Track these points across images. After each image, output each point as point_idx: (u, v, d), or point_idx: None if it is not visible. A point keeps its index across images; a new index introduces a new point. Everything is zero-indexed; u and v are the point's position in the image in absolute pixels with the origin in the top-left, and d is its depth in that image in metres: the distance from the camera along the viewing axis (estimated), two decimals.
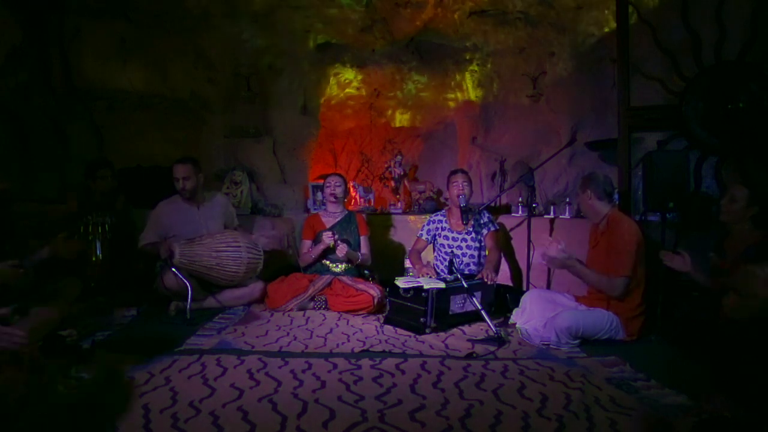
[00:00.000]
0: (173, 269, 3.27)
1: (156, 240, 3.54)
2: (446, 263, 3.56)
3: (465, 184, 3.71)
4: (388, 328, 3.16)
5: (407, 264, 3.99)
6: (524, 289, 3.72)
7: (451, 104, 5.59)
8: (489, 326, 2.91)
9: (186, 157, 3.74)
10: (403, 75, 5.39)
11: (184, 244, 3.37)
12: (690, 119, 3.57)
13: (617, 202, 3.79)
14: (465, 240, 3.74)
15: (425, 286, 3.09)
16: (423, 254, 3.92)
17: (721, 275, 2.55)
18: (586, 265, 2.94)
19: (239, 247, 3.48)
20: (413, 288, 3.14)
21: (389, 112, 5.81)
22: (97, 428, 1.75)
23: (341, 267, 3.83)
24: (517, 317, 3.09)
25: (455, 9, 4.65)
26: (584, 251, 3.16)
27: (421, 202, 5.22)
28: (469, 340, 2.89)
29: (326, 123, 5.67)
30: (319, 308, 3.61)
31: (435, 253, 3.91)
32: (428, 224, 3.90)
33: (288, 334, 2.98)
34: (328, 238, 3.71)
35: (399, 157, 5.53)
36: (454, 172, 3.83)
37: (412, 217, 4.78)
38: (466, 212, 3.65)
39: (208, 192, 3.85)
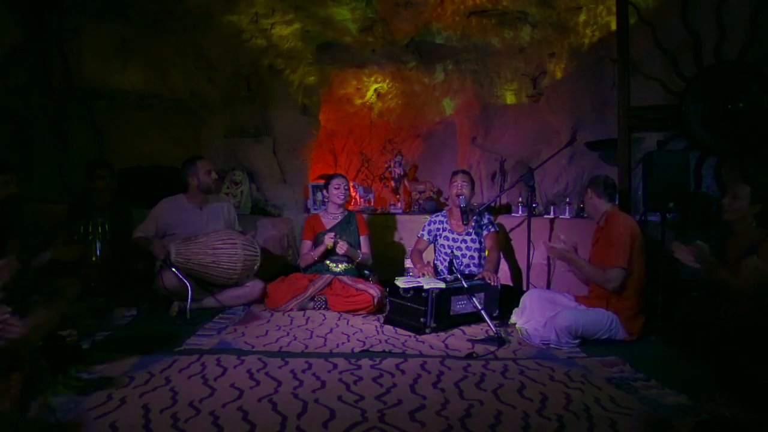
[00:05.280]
0: (173, 269, 3.27)
1: (152, 235, 3.53)
2: (446, 263, 3.56)
3: (464, 183, 3.71)
4: (388, 328, 3.16)
5: (408, 264, 3.99)
6: (524, 289, 3.72)
7: (451, 104, 5.59)
8: (489, 326, 2.91)
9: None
10: (403, 75, 5.39)
11: (180, 242, 3.37)
12: (690, 119, 3.57)
13: (616, 202, 3.80)
14: (465, 241, 3.74)
15: (425, 286, 3.09)
16: (424, 254, 3.91)
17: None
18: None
19: (235, 244, 3.47)
20: (413, 288, 3.14)
21: (389, 111, 5.81)
22: None
23: (341, 267, 3.82)
24: (517, 317, 3.10)
25: (455, 9, 4.65)
26: (585, 251, 3.18)
27: (421, 202, 5.22)
28: (469, 340, 2.88)
29: (326, 123, 5.67)
30: (319, 308, 3.61)
31: (435, 254, 3.91)
32: (429, 225, 3.90)
33: (288, 334, 2.98)
34: (329, 239, 3.71)
35: (399, 157, 5.53)
36: (454, 173, 3.84)
37: (412, 217, 4.78)
38: (466, 213, 3.65)
39: (213, 195, 3.84)
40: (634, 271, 2.84)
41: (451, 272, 3.40)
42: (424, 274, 3.48)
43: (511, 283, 4.05)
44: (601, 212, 3.05)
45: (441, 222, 3.86)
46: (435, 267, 3.73)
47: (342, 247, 3.70)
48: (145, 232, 3.53)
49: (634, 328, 2.85)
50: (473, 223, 3.73)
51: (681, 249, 2.58)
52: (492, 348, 2.72)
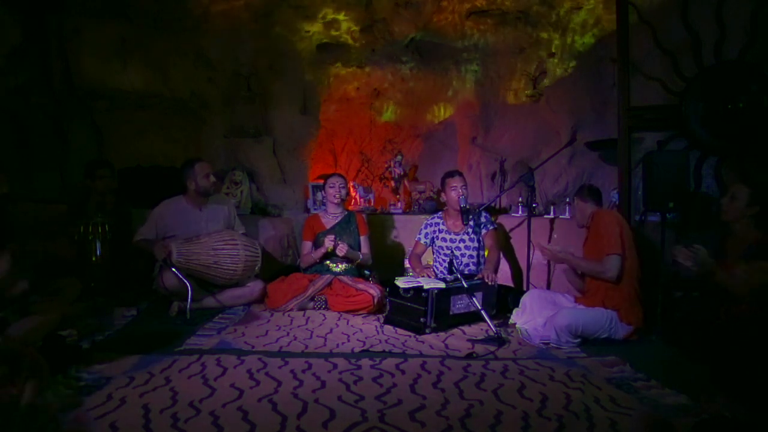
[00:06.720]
0: (173, 269, 3.27)
1: (152, 237, 3.53)
2: (446, 264, 3.56)
3: (463, 187, 3.71)
4: (388, 328, 3.16)
5: (407, 265, 3.99)
6: (524, 289, 3.72)
7: (451, 104, 5.59)
8: (489, 326, 2.91)
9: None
10: (403, 75, 5.38)
11: (181, 243, 3.37)
12: (690, 119, 3.57)
13: (616, 202, 3.80)
14: (463, 240, 3.73)
15: (425, 286, 3.09)
16: (423, 257, 3.91)
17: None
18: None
19: (236, 244, 3.48)
20: (413, 288, 3.14)
21: (389, 111, 5.81)
22: None
23: (341, 267, 3.82)
24: (517, 317, 3.10)
25: (455, 9, 4.65)
26: (579, 253, 3.19)
27: (421, 202, 5.22)
28: (469, 340, 2.89)
29: (326, 123, 5.67)
30: (319, 308, 3.61)
31: (434, 255, 3.91)
32: (425, 227, 3.90)
33: (288, 334, 2.98)
34: (329, 241, 3.71)
35: (399, 157, 5.53)
36: (450, 176, 3.79)
37: (412, 217, 4.78)
38: (466, 212, 3.64)
39: (213, 196, 3.83)
40: (627, 259, 2.89)
41: (450, 272, 3.40)
42: (423, 277, 3.48)
43: (511, 283, 4.04)
44: (587, 214, 3.14)
45: (437, 224, 3.86)
46: (434, 268, 3.73)
47: (342, 250, 3.70)
48: (145, 235, 3.53)
49: (633, 318, 2.86)
50: (471, 222, 3.73)
51: (682, 253, 2.60)
52: (492, 348, 2.72)
